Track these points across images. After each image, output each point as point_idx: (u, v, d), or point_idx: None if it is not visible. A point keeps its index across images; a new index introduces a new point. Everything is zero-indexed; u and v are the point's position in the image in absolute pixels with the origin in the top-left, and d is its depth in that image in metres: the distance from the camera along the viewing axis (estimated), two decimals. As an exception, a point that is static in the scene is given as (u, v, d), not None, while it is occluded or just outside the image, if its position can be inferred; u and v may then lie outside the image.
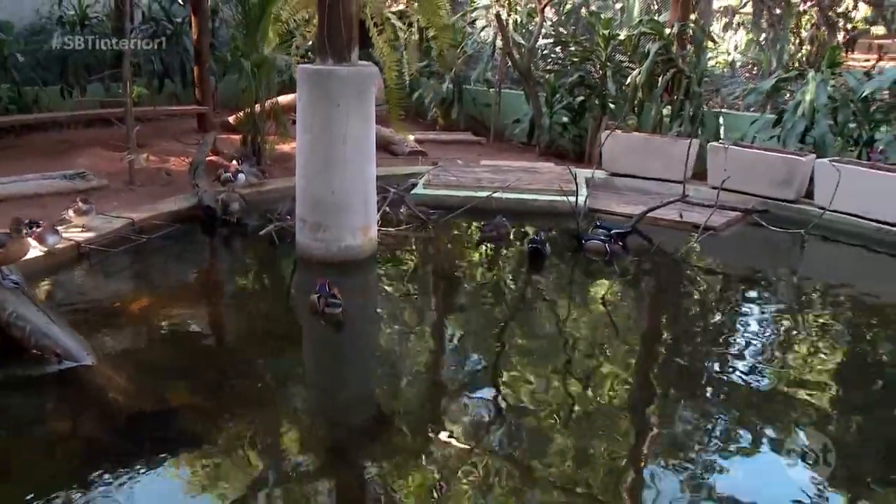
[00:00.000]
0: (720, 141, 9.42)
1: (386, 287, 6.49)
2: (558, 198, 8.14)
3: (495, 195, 8.19)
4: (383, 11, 9.22)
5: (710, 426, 4.27)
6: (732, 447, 4.02)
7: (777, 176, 8.30)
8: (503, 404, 4.46)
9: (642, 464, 3.87)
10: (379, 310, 6.07)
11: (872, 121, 9.07)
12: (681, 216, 7.79)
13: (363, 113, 6.31)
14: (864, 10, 14.72)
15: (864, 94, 8.87)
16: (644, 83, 10.43)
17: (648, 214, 7.66)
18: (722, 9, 15.71)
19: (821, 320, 6.03)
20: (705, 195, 8.28)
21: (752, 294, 6.59)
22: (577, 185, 8.43)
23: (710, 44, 13.43)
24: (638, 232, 7.32)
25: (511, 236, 7.53)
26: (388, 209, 7.75)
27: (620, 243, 6.86)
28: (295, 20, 8.95)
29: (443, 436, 3.99)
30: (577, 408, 4.40)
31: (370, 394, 4.70)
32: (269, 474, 3.69)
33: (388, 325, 5.69)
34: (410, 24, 10.23)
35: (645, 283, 6.93)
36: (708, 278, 6.98)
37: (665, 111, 10.55)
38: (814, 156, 8.36)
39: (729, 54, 14.88)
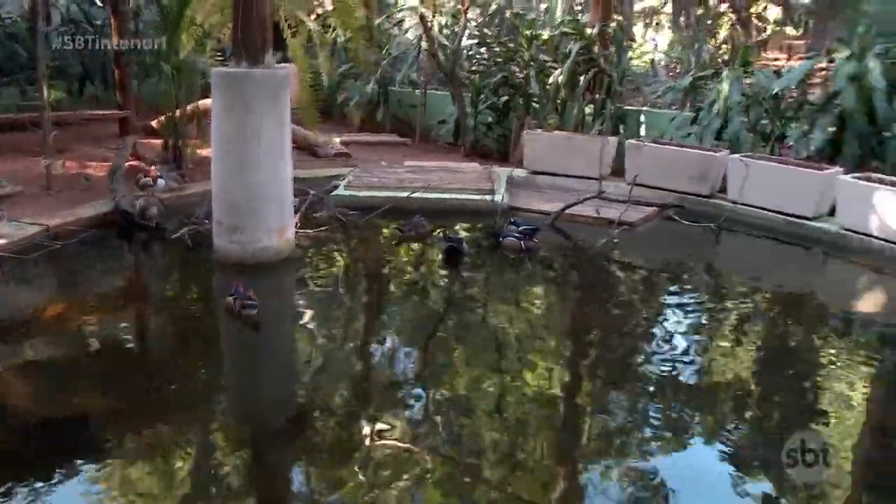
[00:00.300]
0: (639, 138, 9.63)
1: (303, 287, 6.49)
2: (478, 197, 8.26)
3: (416, 195, 8.24)
4: (297, 14, 9.20)
5: (637, 415, 4.35)
6: (661, 435, 4.13)
7: (692, 172, 8.51)
8: (427, 400, 4.48)
9: (575, 455, 3.95)
10: (297, 310, 6.06)
11: (783, 117, 9.36)
12: (597, 212, 7.95)
13: (278, 115, 6.31)
14: (776, 12, 15.14)
15: (774, 92, 9.14)
16: (566, 83, 10.60)
17: (567, 211, 7.80)
18: (643, 10, 16.02)
19: (737, 310, 6.19)
20: (623, 191, 8.46)
21: (670, 286, 6.75)
22: (497, 184, 8.56)
23: (632, 43, 13.71)
24: (556, 228, 7.45)
25: (430, 235, 7.59)
26: (308, 211, 7.75)
27: (535, 240, 6.97)
28: (210, 23, 8.88)
29: (366, 433, 3.99)
30: (506, 402, 4.44)
31: (290, 394, 4.69)
32: (188, 479, 3.63)
33: (305, 326, 5.68)
34: (327, 27, 10.22)
35: (565, 279, 7.03)
36: (625, 272, 7.12)
37: (587, 110, 10.74)
38: (727, 152, 8.59)
39: (652, 54, 15.18)
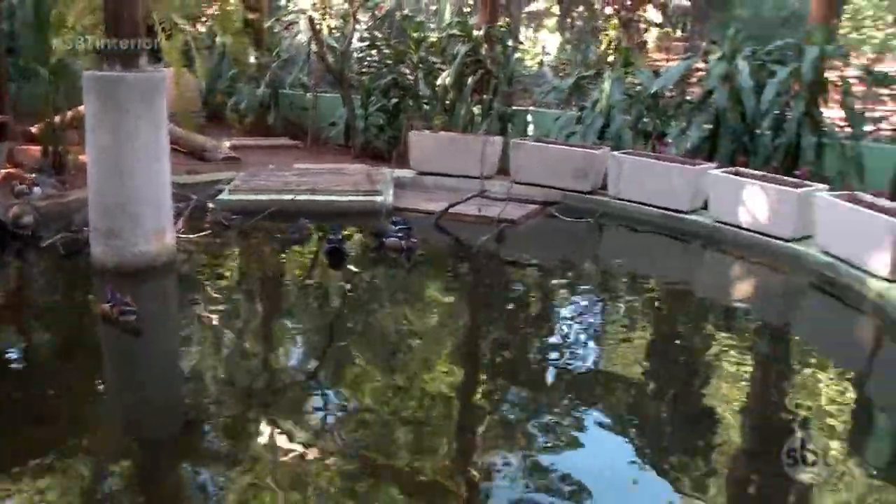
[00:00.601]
0: (523, 137, 9.83)
1: (185, 292, 6.41)
2: (364, 198, 8.30)
3: (301, 198, 8.22)
4: (172, 17, 9.07)
5: (535, 409, 4.42)
6: (558, 428, 4.20)
7: (574, 169, 8.72)
8: (322, 402, 4.47)
9: (475, 452, 3.99)
10: (178, 315, 5.99)
11: (663, 116, 9.71)
12: (479, 211, 8.08)
13: (153, 119, 6.21)
14: (656, 15, 15.66)
15: (653, 92, 9.48)
16: (453, 84, 10.75)
17: (452, 211, 7.91)
18: (530, 13, 16.32)
19: (625, 303, 6.40)
20: (508, 190, 8.62)
21: (557, 281, 6.92)
22: (384, 185, 8.63)
23: (523, 45, 13.97)
24: (440, 227, 7.55)
25: (316, 238, 7.59)
26: (192, 215, 7.65)
27: (414, 240, 7.04)
28: (83, 25, 8.66)
29: (261, 438, 3.95)
30: (404, 401, 4.46)
31: (176, 401, 4.60)
32: (69, 494, 3.47)
33: (188, 330, 5.61)
34: (204, 30, 10.10)
35: (453, 277, 7.12)
36: (512, 268, 7.25)
37: (476, 110, 10.90)
38: (607, 149, 8.84)
39: (542, 55, 15.48)
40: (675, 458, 3.99)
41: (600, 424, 4.31)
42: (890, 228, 6.01)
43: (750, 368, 5.24)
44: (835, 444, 4.06)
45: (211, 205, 7.98)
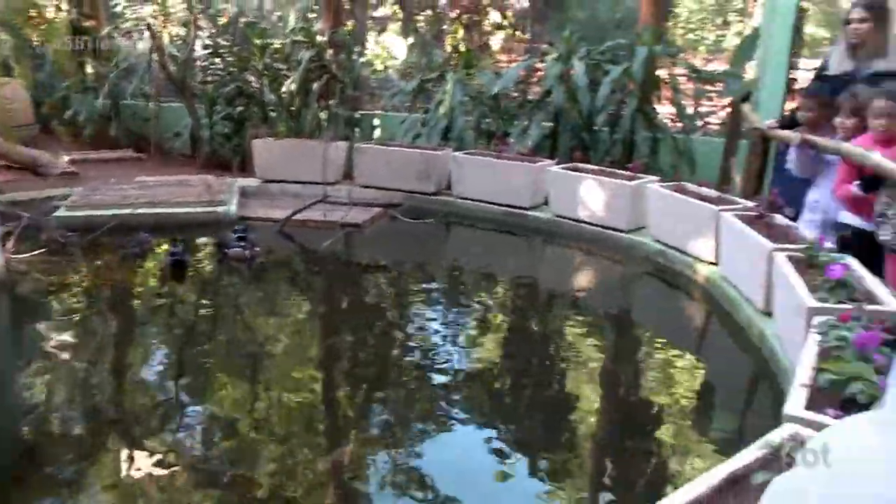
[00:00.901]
0: (367, 141, 9.84)
1: (18, 313, 6.09)
2: (207, 209, 8.11)
3: (141, 211, 7.96)
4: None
5: (402, 411, 4.42)
6: (425, 429, 4.22)
7: (418, 171, 8.78)
8: (183, 420, 4.30)
9: (345, 456, 3.91)
10: (11, 337, 5.67)
11: (506, 116, 9.92)
12: (324, 216, 8.03)
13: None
14: (498, 17, 16.01)
15: (494, 92, 9.67)
16: (298, 90, 10.63)
17: (297, 217, 7.82)
18: (377, 17, 16.37)
19: (479, 300, 6.48)
20: (354, 195, 8.60)
21: (408, 283, 6.96)
22: (228, 194, 8.46)
23: (369, 49, 13.98)
24: (284, 234, 7.46)
25: (158, 251, 7.35)
26: (24, 234, 7.28)
27: (257, 248, 6.92)
28: None
29: (117, 461, 3.76)
30: (268, 413, 4.36)
31: (17, 427, 4.29)
32: None
33: (22, 353, 5.30)
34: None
35: (305, 284, 7.05)
36: (362, 272, 7.22)
37: (322, 116, 10.82)
38: (450, 150, 8.94)
39: (389, 60, 15.53)
40: (541, 448, 4.08)
41: (466, 422, 4.35)
42: (713, 216, 6.31)
43: (602, 355, 5.44)
44: (687, 422, 4.37)
45: (45, 222, 7.62)
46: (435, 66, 10.82)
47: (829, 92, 6.07)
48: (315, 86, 10.65)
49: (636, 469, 3.95)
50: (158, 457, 3.78)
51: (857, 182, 5.07)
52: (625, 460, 4.05)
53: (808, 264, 4.87)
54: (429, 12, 15.56)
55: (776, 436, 2.80)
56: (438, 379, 4.85)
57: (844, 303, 4.15)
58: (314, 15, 14.59)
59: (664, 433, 4.30)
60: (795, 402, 3.18)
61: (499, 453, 4.00)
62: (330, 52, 11.05)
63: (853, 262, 4.76)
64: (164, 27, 12.41)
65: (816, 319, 3.98)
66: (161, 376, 4.88)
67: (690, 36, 21.74)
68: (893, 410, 1.07)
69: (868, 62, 6.17)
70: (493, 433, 4.23)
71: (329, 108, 10.71)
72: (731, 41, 20.07)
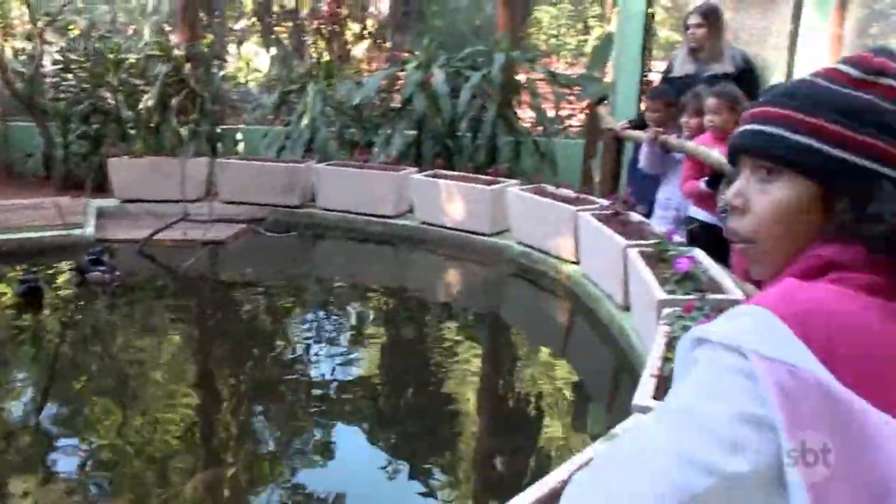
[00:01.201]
0: (229, 156, 9.67)
1: None
2: (62, 232, 7.78)
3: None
4: None
5: (284, 428, 4.37)
6: (309, 443, 4.20)
7: (281, 184, 8.67)
8: (57, 453, 4.08)
9: (230, 477, 3.85)
10: None
11: (369, 125, 9.92)
12: (185, 234, 7.83)
13: None
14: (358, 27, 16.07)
15: (356, 102, 9.66)
16: (156, 106, 10.35)
17: (158, 237, 7.61)
18: (238, 29, 16.13)
19: (346, 310, 6.51)
20: (216, 211, 8.42)
21: (276, 297, 6.85)
22: (85, 216, 8.15)
23: (230, 62, 13.76)
24: (144, 255, 7.25)
25: (9, 279, 7.00)
26: None
27: (118, 272, 6.69)
28: None
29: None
30: (151, 441, 4.20)
31: None
32: None
33: None
34: None
35: (171, 304, 6.84)
36: (230, 290, 7.11)
37: (183, 132, 10.56)
38: (312, 162, 8.86)
39: (252, 72, 15.32)
40: (422, 453, 4.13)
41: (350, 434, 4.37)
42: (571, 216, 6.48)
43: (474, 358, 5.54)
44: (558, 418, 4.57)
45: None
46: (296, 77, 10.71)
47: (674, 93, 6.34)
48: (174, 101, 10.40)
49: (513, 467, 4.06)
50: (36, 495, 3.64)
51: (705, 179, 5.32)
52: (502, 458, 4.17)
53: (658, 259, 5.08)
54: (289, 24, 15.42)
55: (619, 428, 2.89)
56: (317, 392, 4.84)
57: (691, 294, 4.34)
58: (169, 28, 14.23)
59: (539, 430, 4.46)
60: (643, 392, 3.31)
61: (380, 460, 4.02)
62: (188, 65, 10.81)
63: (700, 255, 4.99)
64: (4, 41, 11.83)
65: (665, 311, 4.15)
66: (31, 411, 4.64)
67: (553, 41, 22.27)
68: (667, 399, 1.11)
69: (707, 65, 6.49)
70: (374, 441, 4.27)
71: (189, 124, 10.47)
72: (592, 46, 20.69)
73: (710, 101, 5.36)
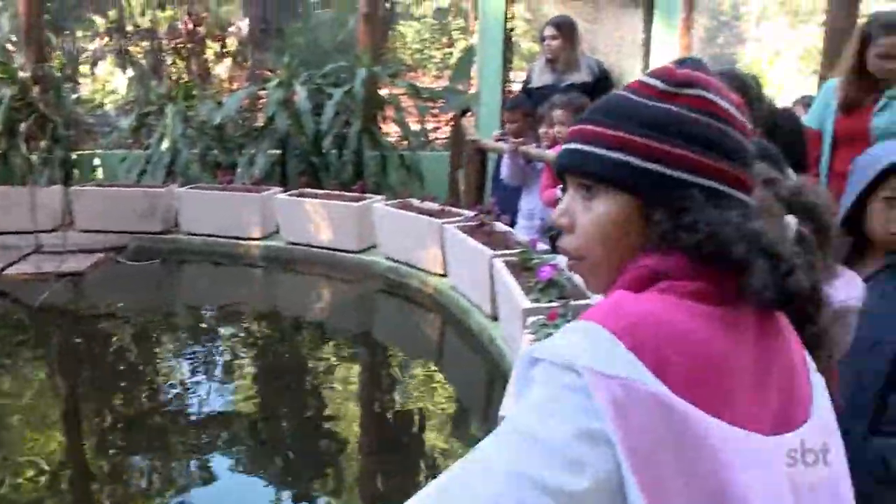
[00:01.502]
0: (84, 183, 9.31)
1: None
2: None
3: None
4: None
5: (161, 462, 4.22)
6: (188, 477, 4.07)
7: (141, 210, 8.38)
8: None
9: None
10: None
11: (231, 146, 9.71)
12: (38, 267, 7.47)
13: None
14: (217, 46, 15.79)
15: (217, 123, 9.45)
16: (2, 132, 9.85)
17: (8, 272, 7.25)
18: (92, 50, 15.57)
19: (217, 337, 6.35)
20: (74, 241, 8.06)
21: (143, 327, 6.61)
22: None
23: (83, 84, 13.25)
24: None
25: None
26: None
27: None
28: None
29: None
30: (11, 481, 3.99)
31: None
32: None
33: None
34: None
35: (31, 342, 6.46)
36: (89, 323, 6.78)
37: (34, 158, 10.07)
38: (174, 185, 8.61)
39: (109, 94, 14.79)
40: (308, 478, 4.10)
41: (229, 464, 4.25)
42: (437, 229, 6.52)
43: (351, 376, 5.56)
44: (438, 430, 4.65)
45: None
46: (154, 99, 10.38)
47: (531, 104, 6.47)
48: (22, 126, 9.91)
49: (396, 485, 4.07)
50: None
51: (560, 186, 5.43)
52: (385, 478, 4.19)
53: (523, 268, 5.17)
54: (146, 43, 14.99)
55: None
56: (191, 422, 4.70)
57: (555, 302, 4.43)
58: (13, 49, 13.55)
59: (420, 446, 4.49)
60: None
61: (261, 489, 3.96)
62: (36, 88, 10.33)
63: (562, 262, 5.09)
64: None
65: (530, 320, 4.21)
66: None
67: (418, 55, 22.42)
68: (506, 421, 1.12)
69: (565, 75, 6.66)
70: (254, 469, 4.19)
71: (40, 150, 9.99)
72: (456, 59, 20.93)
73: (557, 113, 5.52)
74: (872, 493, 2.39)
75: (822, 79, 8.98)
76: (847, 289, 2.29)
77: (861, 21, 5.83)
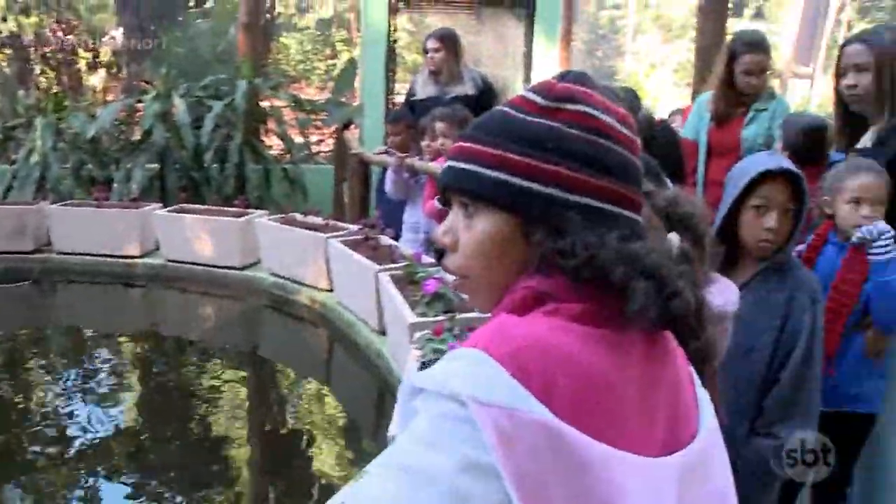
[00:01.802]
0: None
1: None
2: None
3: None
4: None
5: (41, 494, 4.06)
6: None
7: (10, 228, 7.96)
8: None
9: None
10: None
11: (107, 160, 9.35)
12: None
13: None
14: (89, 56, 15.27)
15: (90, 136, 9.09)
16: None
17: None
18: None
19: (98, 361, 6.07)
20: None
21: (18, 353, 6.29)
22: None
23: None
24: None
25: None
26: None
27: None
28: None
29: None
30: None
31: None
32: None
33: None
34: None
35: None
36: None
37: None
38: (45, 202, 8.22)
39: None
40: (199, 501, 4.03)
41: (113, 491, 4.08)
42: (321, 243, 6.45)
43: (238, 396, 5.42)
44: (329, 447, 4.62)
45: None
46: (22, 110, 9.91)
47: (413, 116, 6.49)
48: None
49: (289, 503, 4.10)
50: None
51: (438, 197, 5.46)
52: (276, 499, 4.17)
53: (408, 281, 5.16)
54: (10, 51, 14.31)
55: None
56: (72, 451, 4.47)
57: (441, 315, 4.43)
58: None
59: (310, 465, 4.44)
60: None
61: None
62: None
63: (448, 276, 5.10)
64: None
65: (416, 334, 4.20)
66: None
67: (301, 67, 22.26)
68: (389, 452, 1.09)
69: (448, 87, 6.71)
70: (140, 495, 4.03)
71: None
72: (339, 70, 20.90)
73: (439, 125, 5.55)
74: (752, 494, 2.49)
75: (696, 92, 9.38)
76: (723, 294, 2.38)
77: (728, 39, 6.14)
